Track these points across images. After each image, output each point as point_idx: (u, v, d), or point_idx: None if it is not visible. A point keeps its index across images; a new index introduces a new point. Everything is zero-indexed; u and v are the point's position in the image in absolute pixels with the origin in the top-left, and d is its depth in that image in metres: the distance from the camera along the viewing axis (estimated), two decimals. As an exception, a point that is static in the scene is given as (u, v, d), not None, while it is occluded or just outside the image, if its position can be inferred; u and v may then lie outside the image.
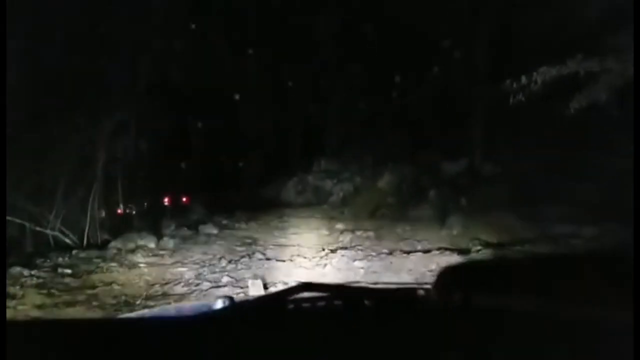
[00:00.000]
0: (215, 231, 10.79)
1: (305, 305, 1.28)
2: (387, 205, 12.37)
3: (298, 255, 8.42)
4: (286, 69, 17.76)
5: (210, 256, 8.43)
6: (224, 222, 12.13)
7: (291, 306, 1.26)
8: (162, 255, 8.33)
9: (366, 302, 1.26)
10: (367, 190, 13.73)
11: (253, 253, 8.65)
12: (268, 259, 8.16)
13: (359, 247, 9.04)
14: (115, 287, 6.31)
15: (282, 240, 10.11)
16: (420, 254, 8.35)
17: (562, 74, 5.81)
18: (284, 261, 8.03)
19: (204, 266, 7.71)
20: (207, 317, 1.26)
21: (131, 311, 5.41)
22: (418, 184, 12.79)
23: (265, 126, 19.22)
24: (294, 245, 9.65)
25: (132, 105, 10.36)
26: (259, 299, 1.45)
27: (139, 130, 11.85)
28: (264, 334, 1.04)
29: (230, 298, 1.42)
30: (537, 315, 1.09)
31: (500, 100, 12.81)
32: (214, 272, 7.28)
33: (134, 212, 12.02)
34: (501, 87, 6.36)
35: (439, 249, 8.49)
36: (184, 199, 15.90)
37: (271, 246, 9.45)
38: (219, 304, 1.38)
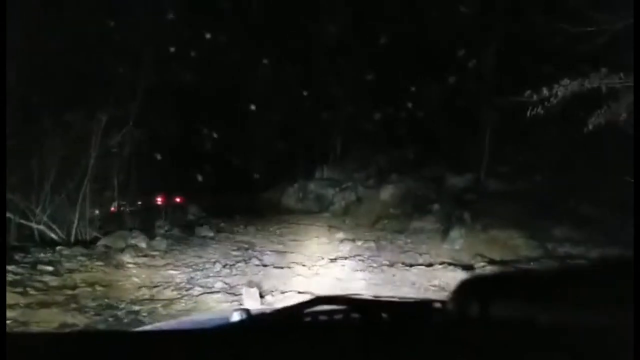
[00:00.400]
0: (211, 234, 10.36)
1: (322, 318, 1.26)
2: (389, 216, 11.95)
3: (296, 263, 7.99)
4: (293, 73, 17.44)
5: (204, 260, 8.00)
6: (221, 225, 11.71)
7: (308, 319, 1.25)
8: (153, 256, 7.89)
9: (383, 315, 1.24)
10: (369, 200, 13.32)
11: (249, 258, 8.22)
12: (265, 266, 7.72)
13: (360, 258, 8.61)
14: (99, 288, 5.84)
15: (280, 247, 9.67)
16: (422, 267, 7.92)
17: (583, 89, 5.40)
18: (281, 268, 7.59)
19: (196, 270, 7.26)
20: (224, 330, 1.26)
21: (112, 316, 5.00)
22: (421, 197, 12.38)
23: (268, 131, 18.86)
24: (292, 253, 9.22)
25: (129, 102, 9.93)
26: (276, 312, 1.41)
27: (135, 128, 11.42)
28: (280, 347, 1.01)
29: (247, 311, 1.39)
30: (557, 328, 1.03)
31: (511, 115, 12.53)
32: (207, 277, 6.84)
33: (127, 211, 11.59)
34: (516, 100, 5.94)
35: (441, 263, 8.06)
36: (178, 199, 15.48)
37: (268, 252, 9.01)
38: (235, 317, 1.37)
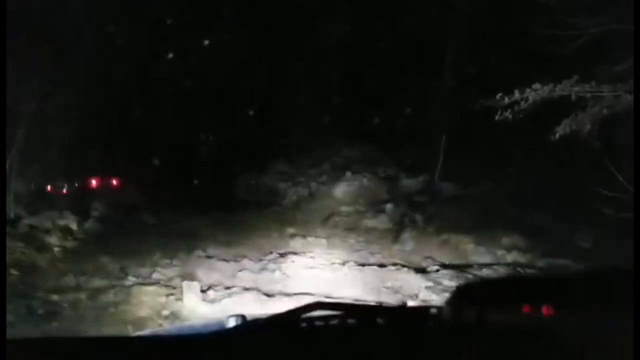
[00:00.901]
0: (152, 221, 9.57)
1: (318, 323, 1.24)
2: (342, 213, 11.57)
3: (243, 257, 7.43)
4: (250, 62, 16.75)
5: (142, 247, 7.27)
6: (165, 212, 10.90)
7: (304, 324, 1.23)
8: (84, 240, 7.07)
9: (379, 320, 1.24)
10: (322, 196, 12.90)
11: (192, 249, 7.56)
12: (209, 257, 7.10)
13: (310, 254, 8.16)
14: (14, 272, 5.03)
15: (227, 239, 9.05)
16: (375, 267, 7.58)
17: (552, 95, 5.21)
18: (226, 261, 7.00)
19: (132, 258, 6.54)
20: (220, 336, 1.25)
21: (25, 305, 4.25)
22: (375, 196, 12.10)
23: (222, 118, 18.02)
24: (239, 245, 8.63)
25: (65, 75, 8.96)
26: (272, 318, 1.37)
27: (74, 104, 10.39)
28: (276, 353, 1.01)
29: (243, 316, 1.40)
30: (551, 331, 1.03)
31: (469, 119, 12.51)
32: (143, 266, 6.15)
33: (64, 190, 10.54)
34: (484, 103, 5.69)
35: (394, 264, 7.75)
36: (114, 182, 14.40)
37: (214, 243, 8.38)
38: (231, 322, 1.37)
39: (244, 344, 1.09)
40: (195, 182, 17.84)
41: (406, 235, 9.52)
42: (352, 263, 7.81)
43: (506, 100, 5.24)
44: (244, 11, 16.43)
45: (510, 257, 8.93)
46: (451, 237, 9.62)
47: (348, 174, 13.54)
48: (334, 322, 1.25)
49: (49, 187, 10.41)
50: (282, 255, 7.73)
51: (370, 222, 10.62)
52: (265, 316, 1.43)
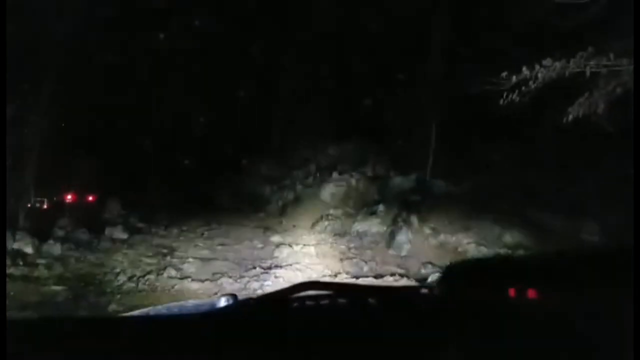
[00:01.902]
0: (124, 236, 8.58)
1: (309, 303, 1.22)
2: (330, 217, 10.70)
3: (222, 274, 6.51)
4: (232, 62, 15.83)
5: (106, 269, 6.31)
6: (139, 225, 9.91)
7: (295, 304, 1.21)
8: (37, 266, 6.07)
9: (370, 300, 1.22)
10: (308, 199, 12.01)
11: (164, 268, 6.61)
12: (182, 278, 6.15)
13: (297, 266, 7.28)
14: None
15: (206, 253, 8.11)
16: (370, 279, 6.74)
17: (564, 72, 4.40)
18: (201, 281, 6.07)
19: (90, 284, 5.59)
20: (211, 315, 1.24)
21: None
22: (364, 197, 11.26)
23: (203, 123, 17.07)
24: (219, 260, 7.70)
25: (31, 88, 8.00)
26: (263, 297, 1.37)
27: (43, 110, 9.41)
28: (267, 332, 0.99)
29: (234, 296, 1.35)
30: (541, 310, 1.07)
31: (459, 112, 11.72)
32: (102, 294, 5.20)
33: (28, 205, 9.49)
34: (487, 85, 4.87)
35: (392, 274, 6.91)
36: (90, 198, 13.33)
37: (190, 259, 7.43)
38: (222, 302, 1.33)
39: (235, 323, 1.07)
40: (178, 190, 16.89)
41: (401, 238, 8.69)
42: (344, 275, 6.96)
43: (513, 79, 4.39)
44: (222, 10, 15.50)
45: (517, 257, 8.23)
46: (449, 239, 8.83)
47: (335, 174, 12.68)
48: (325, 301, 1.23)
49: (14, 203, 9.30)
50: (266, 270, 6.84)
51: (361, 226, 9.77)
52: (256, 296, 1.38)
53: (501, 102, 4.61)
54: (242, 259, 7.74)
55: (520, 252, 8.30)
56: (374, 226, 9.55)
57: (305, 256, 8.22)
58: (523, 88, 4.80)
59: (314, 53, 14.94)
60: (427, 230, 9.04)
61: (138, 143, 16.64)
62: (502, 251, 8.19)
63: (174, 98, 16.44)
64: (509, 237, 8.79)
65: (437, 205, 9.62)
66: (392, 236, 8.91)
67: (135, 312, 1.68)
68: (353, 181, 12.12)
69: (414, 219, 9.11)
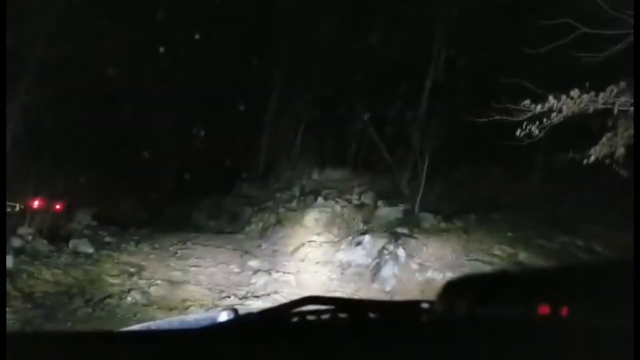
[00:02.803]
0: (89, 250, 7.79)
1: (310, 318, 1.18)
2: (313, 244, 10.09)
3: (191, 302, 5.81)
4: (215, 75, 15.35)
5: (63, 289, 5.55)
6: (108, 239, 9.12)
7: (296, 319, 1.17)
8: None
9: (371, 315, 1.17)
10: (291, 224, 11.39)
11: (128, 291, 5.88)
12: (146, 305, 5.44)
13: (275, 296, 6.65)
14: None
15: (177, 275, 7.37)
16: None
17: (588, 107, 4.00)
18: (169, 310, 5.37)
19: (41, 306, 4.83)
20: (211, 330, 1.23)
21: None
22: (349, 226, 10.71)
23: (184, 137, 16.41)
24: (190, 283, 7.00)
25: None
26: (263, 312, 1.30)
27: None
28: (268, 347, 0.95)
29: (235, 310, 1.37)
30: (542, 325, 1.02)
31: (451, 147, 11.40)
32: (51, 320, 4.46)
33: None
34: (506, 117, 4.47)
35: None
36: (58, 206, 12.42)
37: (159, 281, 6.70)
38: (223, 316, 1.34)
39: (236, 338, 1.04)
40: (154, 204, 16.06)
41: (387, 272, 8.15)
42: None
43: (537, 109, 3.96)
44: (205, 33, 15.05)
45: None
46: (437, 275, 8.31)
47: (320, 199, 12.11)
48: (326, 316, 1.18)
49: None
50: (241, 300, 6.17)
51: (345, 255, 9.18)
52: (257, 310, 1.35)
53: (518, 133, 4.16)
54: (216, 284, 7.05)
55: (526, 268, 7.98)
56: (358, 257, 8.97)
57: (284, 285, 7.59)
58: (544, 120, 4.40)
59: (303, 77, 14.57)
60: (414, 266, 8.50)
61: (117, 154, 15.84)
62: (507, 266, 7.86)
63: (156, 113, 15.81)
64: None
65: (425, 240, 9.13)
66: (377, 269, 8.36)
67: (137, 327, 1.63)
68: (338, 208, 11.57)
69: (401, 253, 8.57)
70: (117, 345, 0.97)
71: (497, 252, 9.04)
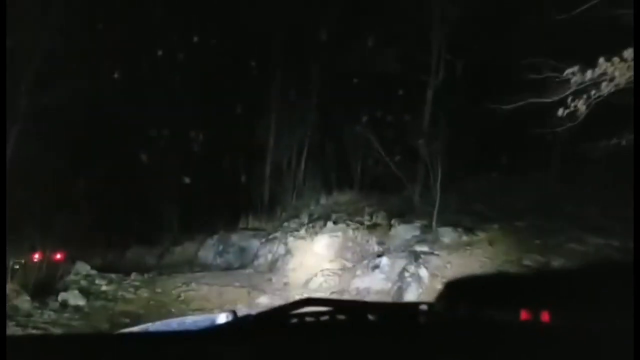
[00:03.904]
0: (81, 302, 6.96)
1: (309, 319, 1.19)
2: (327, 272, 9.19)
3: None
4: (216, 101, 14.81)
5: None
6: (104, 287, 8.28)
7: (294, 320, 1.18)
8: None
9: (370, 317, 1.18)
10: (301, 253, 10.49)
11: None
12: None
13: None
14: None
15: (178, 323, 6.50)
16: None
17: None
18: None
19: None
20: (211, 331, 1.21)
21: None
22: (363, 249, 9.80)
23: (184, 173, 15.74)
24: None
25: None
26: (262, 313, 1.26)
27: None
28: (267, 348, 0.96)
29: (234, 312, 1.37)
30: (541, 327, 1.05)
31: (472, 147, 10.58)
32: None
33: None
34: (523, 102, 3.70)
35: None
36: (58, 256, 11.62)
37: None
38: (222, 318, 1.36)
39: (235, 339, 1.04)
40: (159, 247, 15.28)
41: (410, 296, 7.19)
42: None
43: (586, 76, 3.15)
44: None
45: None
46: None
47: (329, 224, 11.25)
48: (325, 318, 1.19)
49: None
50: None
51: (362, 282, 8.25)
52: (255, 312, 1.29)
53: (561, 112, 3.36)
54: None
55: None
56: (377, 282, 8.04)
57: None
58: (573, 105, 3.59)
59: (302, 97, 14.00)
60: (440, 286, 7.55)
61: (117, 197, 15.20)
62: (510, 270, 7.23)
63: (155, 149, 15.25)
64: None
65: (448, 257, 8.19)
66: (399, 294, 7.41)
67: (135, 328, 1.65)
68: (350, 231, 10.68)
69: (423, 273, 7.64)
70: (117, 347, 0.96)
71: (528, 262, 8.07)
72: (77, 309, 6.65)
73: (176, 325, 1.62)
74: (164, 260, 13.85)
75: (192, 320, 1.65)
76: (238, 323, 1.26)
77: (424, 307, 1.27)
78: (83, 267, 10.36)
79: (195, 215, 15.45)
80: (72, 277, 9.36)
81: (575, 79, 3.33)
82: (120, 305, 7.13)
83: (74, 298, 6.96)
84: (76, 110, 11.96)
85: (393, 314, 1.23)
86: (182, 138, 15.60)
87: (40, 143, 11.00)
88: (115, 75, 12.52)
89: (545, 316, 1.05)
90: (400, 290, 7.41)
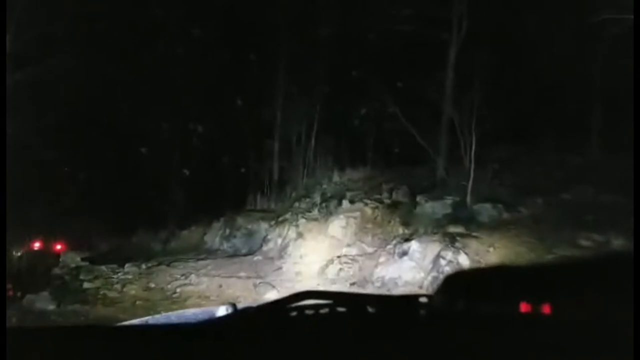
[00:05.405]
0: (50, 307, 5.55)
1: (309, 312, 1.14)
2: (344, 259, 7.70)
3: None
4: (218, 79, 13.24)
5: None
6: (87, 285, 6.89)
7: (294, 313, 1.14)
8: None
9: (370, 309, 1.14)
10: (314, 236, 8.99)
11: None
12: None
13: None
14: None
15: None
16: None
17: None
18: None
19: None
20: (210, 324, 1.18)
21: None
22: (386, 231, 8.25)
23: (189, 154, 14.31)
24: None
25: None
26: (262, 306, 1.24)
27: None
28: (267, 341, 0.95)
29: (233, 305, 1.30)
30: (540, 320, 1.03)
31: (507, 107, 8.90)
32: None
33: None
34: None
35: None
36: (59, 246, 10.36)
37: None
38: (222, 311, 1.28)
39: (234, 332, 1.02)
40: (163, 232, 14.01)
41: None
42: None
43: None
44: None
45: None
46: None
47: (345, 203, 9.71)
48: (324, 310, 1.15)
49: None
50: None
51: (387, 271, 6.73)
52: (255, 305, 1.28)
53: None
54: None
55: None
56: (406, 272, 6.50)
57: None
58: None
59: (316, 63, 12.33)
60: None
61: (123, 181, 13.94)
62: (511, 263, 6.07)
63: (155, 125, 13.83)
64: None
65: (490, 239, 6.62)
66: (435, 286, 5.89)
67: (135, 321, 1.51)
68: (368, 211, 9.13)
69: (463, 260, 6.09)
70: (117, 340, 0.96)
71: (585, 242, 6.49)
72: (42, 314, 5.25)
73: (176, 318, 1.47)
74: (170, 245, 12.54)
75: (192, 313, 1.46)
76: (238, 316, 1.21)
77: (423, 299, 1.19)
78: (72, 259, 9.04)
79: (200, 197, 14.13)
80: (57, 270, 8.02)
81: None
82: (97, 308, 5.71)
83: (43, 301, 5.56)
84: (81, 90, 10.80)
85: (393, 307, 1.18)
86: (188, 116, 14.12)
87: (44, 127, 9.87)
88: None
89: (546, 309, 0.99)
90: (437, 282, 5.88)
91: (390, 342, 0.93)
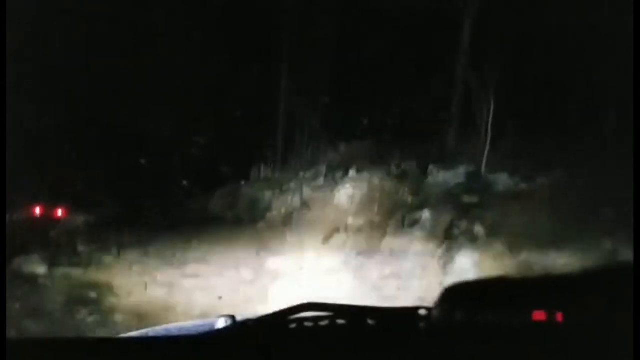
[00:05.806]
0: (40, 270, 5.24)
1: (308, 324, 1.15)
2: (350, 229, 7.32)
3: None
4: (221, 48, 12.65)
5: None
6: (81, 248, 6.56)
7: (294, 325, 1.14)
8: None
9: (370, 322, 1.14)
10: (319, 206, 8.59)
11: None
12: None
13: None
14: None
15: (161, 294, 4.74)
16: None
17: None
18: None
19: None
20: (210, 336, 1.20)
21: None
22: (395, 200, 7.82)
23: (192, 121, 13.84)
24: (177, 308, 4.34)
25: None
26: (261, 318, 1.26)
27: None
28: (266, 354, 0.94)
29: (232, 317, 1.30)
30: (541, 331, 0.95)
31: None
32: None
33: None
34: None
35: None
36: (60, 212, 10.01)
37: (127, 312, 4.07)
38: (221, 323, 1.28)
39: (234, 344, 1.02)
40: (168, 201, 13.74)
41: (464, 261, 5.28)
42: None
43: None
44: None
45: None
46: (537, 259, 5.40)
47: (351, 172, 9.29)
48: (324, 322, 1.15)
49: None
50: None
51: (396, 242, 6.34)
52: (255, 317, 1.30)
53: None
54: (213, 305, 4.34)
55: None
56: (415, 242, 6.10)
57: (317, 295, 4.80)
58: None
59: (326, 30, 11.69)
60: (500, 247, 5.60)
61: (121, 146, 13.52)
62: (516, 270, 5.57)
63: (159, 90, 13.35)
64: (627, 253, 5.38)
65: (506, 209, 6.19)
66: (448, 257, 5.50)
67: (134, 333, 1.50)
68: (376, 180, 8.69)
69: (478, 230, 5.67)
70: (116, 352, 0.93)
71: (610, 213, 6.06)
72: (30, 278, 4.92)
73: (175, 330, 1.48)
74: (169, 215, 12.26)
75: (192, 325, 1.50)
76: (237, 328, 1.19)
77: (423, 311, 1.16)
78: (72, 222, 8.71)
79: (204, 165, 13.78)
80: (52, 233, 7.71)
81: None
82: (91, 273, 5.38)
83: (32, 265, 5.23)
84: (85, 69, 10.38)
85: (393, 319, 1.17)
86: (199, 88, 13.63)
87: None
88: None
89: (559, 317, 0.90)
90: (450, 252, 5.48)
91: (390, 355, 0.92)
